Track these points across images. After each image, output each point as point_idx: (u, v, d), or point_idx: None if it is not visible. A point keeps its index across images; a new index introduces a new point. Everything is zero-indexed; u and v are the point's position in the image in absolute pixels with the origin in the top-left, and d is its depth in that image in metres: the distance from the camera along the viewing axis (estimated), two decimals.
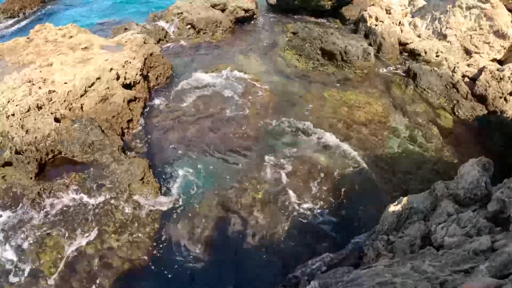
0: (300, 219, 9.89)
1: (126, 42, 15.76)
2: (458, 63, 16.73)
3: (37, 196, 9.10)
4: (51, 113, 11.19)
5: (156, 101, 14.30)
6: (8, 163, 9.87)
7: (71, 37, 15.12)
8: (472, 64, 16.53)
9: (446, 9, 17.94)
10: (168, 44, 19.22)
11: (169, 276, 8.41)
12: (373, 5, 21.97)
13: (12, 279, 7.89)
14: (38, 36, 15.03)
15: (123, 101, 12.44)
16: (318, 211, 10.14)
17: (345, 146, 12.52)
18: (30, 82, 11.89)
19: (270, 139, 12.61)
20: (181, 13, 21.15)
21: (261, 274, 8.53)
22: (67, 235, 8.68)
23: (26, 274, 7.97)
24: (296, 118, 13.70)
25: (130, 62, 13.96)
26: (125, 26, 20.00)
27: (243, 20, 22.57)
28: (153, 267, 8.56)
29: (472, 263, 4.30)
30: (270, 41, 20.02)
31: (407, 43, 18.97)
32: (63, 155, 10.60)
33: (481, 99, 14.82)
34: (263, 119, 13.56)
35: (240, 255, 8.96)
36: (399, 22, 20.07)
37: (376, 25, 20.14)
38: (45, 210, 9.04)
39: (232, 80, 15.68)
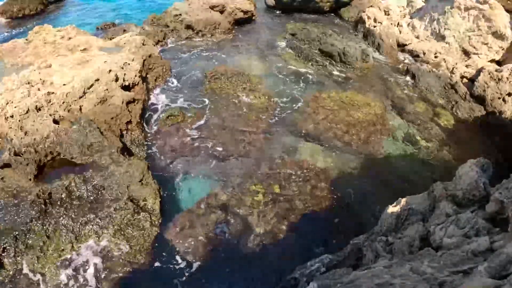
0: (299, 220, 9.88)
1: (125, 43, 15.78)
2: (456, 64, 16.77)
3: (36, 197, 9.07)
4: (50, 115, 11.18)
5: (155, 103, 14.30)
6: (7, 165, 9.85)
7: (70, 38, 15.15)
8: (470, 65, 16.57)
9: (445, 10, 17.99)
10: (167, 46, 19.24)
11: (169, 277, 8.40)
12: (371, 6, 22.05)
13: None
14: (37, 38, 15.05)
15: (122, 102, 12.43)
16: (317, 212, 10.14)
17: (344, 147, 12.54)
18: (28, 83, 11.89)
19: (269, 141, 12.61)
20: (180, 14, 21.18)
21: (260, 275, 8.53)
22: (67, 236, 8.67)
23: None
24: (294, 119, 13.72)
25: (128, 64, 13.97)
26: (123, 27, 20.03)
27: (242, 22, 22.60)
28: (153, 269, 8.55)
29: (471, 264, 4.31)
30: (268, 43, 20.04)
31: (406, 44, 19.02)
32: (62, 156, 10.57)
33: (480, 99, 14.87)
34: (262, 121, 13.57)
35: (239, 257, 8.95)
36: (398, 23, 20.13)
37: (374, 26, 20.20)
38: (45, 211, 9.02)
39: (231, 81, 15.68)
